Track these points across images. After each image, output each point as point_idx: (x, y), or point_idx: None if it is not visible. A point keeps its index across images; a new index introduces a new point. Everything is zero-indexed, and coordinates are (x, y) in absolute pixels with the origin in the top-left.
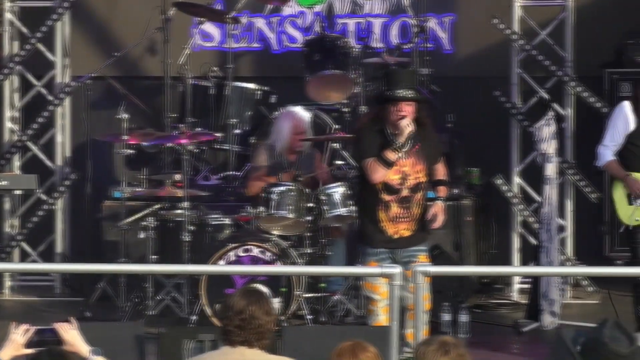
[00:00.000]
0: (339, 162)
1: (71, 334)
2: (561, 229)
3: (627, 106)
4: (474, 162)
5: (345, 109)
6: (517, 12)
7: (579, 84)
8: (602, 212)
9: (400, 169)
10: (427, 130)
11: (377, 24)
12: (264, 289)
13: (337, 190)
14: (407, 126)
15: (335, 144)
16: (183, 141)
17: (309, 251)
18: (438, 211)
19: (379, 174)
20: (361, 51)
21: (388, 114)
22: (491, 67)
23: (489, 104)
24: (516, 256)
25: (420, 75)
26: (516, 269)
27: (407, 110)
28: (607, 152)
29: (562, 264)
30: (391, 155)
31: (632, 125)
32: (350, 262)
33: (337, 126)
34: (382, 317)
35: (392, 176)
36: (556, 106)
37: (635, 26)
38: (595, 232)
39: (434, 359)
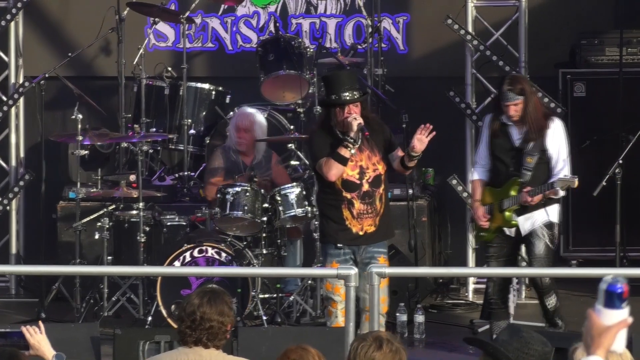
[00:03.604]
0: (295, 163)
1: (37, 338)
2: None
3: (487, 120)
4: (428, 163)
5: (300, 109)
6: (471, 13)
7: (533, 84)
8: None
9: (357, 164)
10: (372, 121)
11: (331, 24)
12: (219, 289)
13: (293, 191)
14: (355, 120)
15: (290, 144)
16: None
17: (264, 252)
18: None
19: (334, 171)
20: (315, 51)
21: (335, 117)
22: (445, 68)
23: (443, 104)
24: (471, 256)
25: (375, 75)
26: (471, 270)
27: (354, 111)
28: (475, 169)
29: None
30: (344, 152)
31: (488, 137)
32: (306, 262)
33: (292, 126)
34: (341, 318)
35: (349, 172)
36: None
37: (589, 26)
38: None
39: (367, 353)
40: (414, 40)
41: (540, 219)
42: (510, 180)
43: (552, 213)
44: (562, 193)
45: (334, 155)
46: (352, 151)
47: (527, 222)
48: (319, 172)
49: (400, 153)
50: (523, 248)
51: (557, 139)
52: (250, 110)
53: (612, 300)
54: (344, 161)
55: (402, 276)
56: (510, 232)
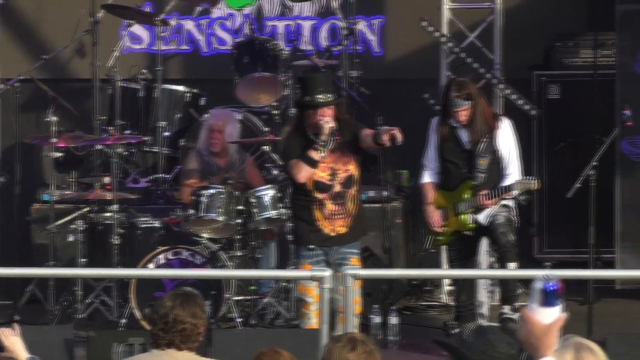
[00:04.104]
0: (269, 165)
1: (12, 340)
2: None
3: (434, 124)
4: (403, 164)
5: (275, 112)
6: (446, 15)
7: (508, 86)
8: (531, 213)
9: (328, 165)
10: (345, 123)
11: (306, 26)
12: (194, 291)
13: (267, 193)
14: (327, 123)
15: (265, 147)
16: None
17: (238, 254)
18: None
19: (303, 173)
20: (290, 53)
21: (309, 119)
22: (420, 70)
23: (418, 106)
24: (445, 258)
25: (350, 77)
26: (445, 272)
27: (328, 113)
28: (425, 172)
29: (490, 266)
30: (314, 155)
31: (437, 141)
32: (281, 264)
33: (266, 129)
34: (314, 320)
35: (320, 173)
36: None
37: (563, 29)
38: (524, 234)
39: (341, 355)
40: (389, 43)
41: (499, 204)
42: (463, 183)
43: (508, 200)
44: (517, 193)
45: (303, 158)
46: (323, 154)
47: (483, 214)
48: (289, 174)
49: (369, 131)
50: (484, 245)
51: (507, 139)
52: (224, 111)
53: (549, 298)
54: (313, 164)
55: (376, 278)
56: (467, 232)
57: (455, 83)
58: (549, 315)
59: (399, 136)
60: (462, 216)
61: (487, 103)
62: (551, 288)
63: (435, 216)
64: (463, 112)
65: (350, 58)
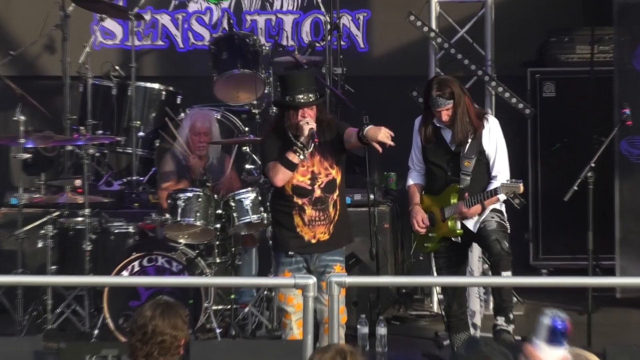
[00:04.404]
0: (249, 167)
1: None
2: None
3: (417, 124)
4: (390, 166)
5: (255, 111)
6: (435, 9)
7: (500, 84)
8: (527, 218)
9: (308, 169)
10: (327, 124)
11: (288, 21)
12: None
13: (248, 196)
14: (307, 124)
15: (244, 148)
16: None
17: (218, 261)
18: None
19: (280, 176)
20: (271, 49)
21: (290, 119)
22: (408, 67)
23: (405, 105)
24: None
25: (334, 74)
26: (435, 279)
27: (309, 114)
28: (411, 174)
29: (483, 273)
30: (293, 157)
31: (420, 143)
32: (262, 272)
33: (246, 129)
34: (296, 330)
35: (300, 177)
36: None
37: (558, 23)
38: (519, 240)
39: None
40: (374, 38)
41: (489, 209)
42: (449, 187)
43: (498, 204)
44: (503, 197)
45: (281, 160)
46: (302, 157)
47: (472, 220)
48: (267, 175)
49: (354, 130)
50: (476, 251)
51: (493, 138)
52: (207, 111)
53: (556, 337)
54: (291, 167)
55: (363, 286)
56: (456, 239)
57: (437, 81)
58: (554, 355)
59: (388, 141)
60: (450, 222)
61: (472, 101)
62: (560, 327)
63: (419, 215)
64: (445, 112)
65: (334, 54)
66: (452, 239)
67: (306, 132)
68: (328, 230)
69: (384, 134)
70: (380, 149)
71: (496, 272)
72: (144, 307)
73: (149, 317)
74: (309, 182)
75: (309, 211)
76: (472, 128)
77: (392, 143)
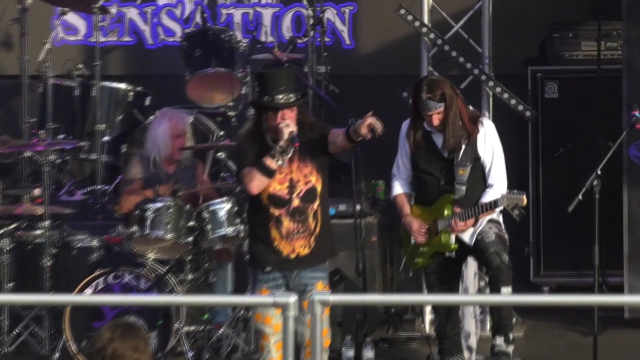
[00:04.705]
0: (225, 174)
1: None
2: None
3: (405, 128)
4: (379, 174)
5: (232, 113)
6: (427, 2)
7: (498, 84)
8: (527, 231)
9: (286, 176)
10: (308, 126)
11: (267, 14)
12: (137, 321)
13: (223, 207)
14: (287, 127)
15: (219, 153)
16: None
17: (189, 277)
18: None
19: (255, 183)
20: (249, 46)
21: (268, 122)
22: (398, 65)
23: (395, 106)
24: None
25: (318, 73)
26: (428, 297)
27: (290, 116)
28: (396, 182)
29: (479, 290)
30: (270, 162)
31: (409, 149)
32: (238, 289)
33: (221, 132)
34: (275, 354)
35: (277, 186)
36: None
37: (562, 17)
38: (519, 254)
39: None
40: (361, 34)
41: (485, 219)
42: (442, 197)
43: (495, 215)
44: (500, 208)
45: (258, 165)
46: (280, 162)
47: (468, 232)
48: (242, 182)
49: (339, 131)
50: (471, 267)
51: (489, 144)
52: (176, 112)
53: None
54: (268, 173)
55: (349, 305)
56: (449, 254)
57: (427, 82)
58: None
59: (378, 125)
60: (443, 235)
61: (465, 104)
62: None
63: (415, 224)
64: (436, 116)
65: (317, 51)
66: (446, 253)
67: (286, 136)
68: (308, 244)
69: (371, 119)
70: (369, 135)
71: (495, 287)
72: (102, 328)
73: (108, 339)
74: (286, 190)
75: (287, 223)
76: (465, 133)
77: (380, 129)
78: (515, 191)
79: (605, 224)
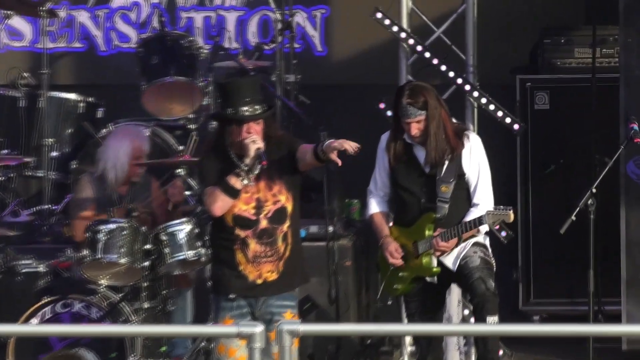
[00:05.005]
0: (185, 193)
1: None
2: None
3: (383, 139)
4: (353, 193)
5: (192, 126)
6: (406, 5)
7: (483, 94)
8: (515, 254)
9: (253, 196)
10: (276, 141)
11: (231, 18)
12: (87, 354)
13: (182, 229)
14: (254, 143)
15: (179, 170)
16: None
17: (146, 306)
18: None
19: (219, 204)
20: (211, 53)
21: (232, 136)
22: (374, 74)
23: (371, 118)
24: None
25: (286, 83)
26: (407, 327)
27: (256, 130)
28: (373, 200)
29: (464, 320)
30: (235, 182)
31: (388, 163)
32: (199, 319)
33: (181, 147)
34: None
35: (243, 206)
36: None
37: (554, 22)
38: (507, 280)
39: None
40: (334, 39)
41: (469, 242)
42: (423, 217)
43: (481, 237)
44: (485, 228)
45: (221, 184)
46: (245, 181)
47: (452, 255)
48: (204, 204)
49: (308, 146)
50: (455, 294)
51: (474, 160)
52: (142, 129)
53: None
54: (233, 193)
55: (321, 335)
56: (431, 279)
57: (410, 87)
58: None
59: (349, 147)
60: (424, 258)
61: (449, 116)
62: None
63: (391, 246)
64: (415, 124)
65: (286, 58)
66: (427, 278)
67: (252, 153)
68: (277, 269)
69: (344, 141)
70: (339, 162)
71: (480, 316)
72: None
73: None
74: (253, 211)
75: (253, 245)
76: (449, 147)
77: (354, 149)
78: (502, 207)
79: (601, 247)
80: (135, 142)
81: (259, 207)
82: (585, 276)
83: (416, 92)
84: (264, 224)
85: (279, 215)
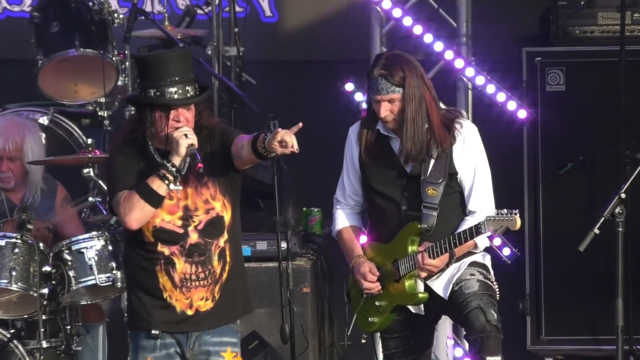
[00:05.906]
0: (93, 200)
1: None
2: None
3: (352, 132)
4: (313, 200)
5: (103, 113)
6: None
7: (480, 71)
8: (522, 278)
9: (179, 204)
10: (208, 132)
11: None
12: None
13: (92, 246)
14: (186, 138)
15: (86, 170)
16: None
17: (45, 345)
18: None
19: (136, 214)
20: (128, 18)
21: (155, 125)
22: (338, 46)
23: (335, 102)
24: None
25: (226, 57)
26: None
27: (186, 117)
28: (341, 212)
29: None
30: (158, 186)
31: (358, 162)
32: None
33: (89, 140)
34: None
35: (166, 216)
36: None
37: None
38: (512, 311)
39: None
40: (288, 1)
41: (465, 262)
42: (405, 228)
43: (479, 255)
44: (484, 243)
45: (140, 189)
46: (172, 186)
47: (443, 278)
48: (115, 213)
49: (245, 138)
50: (445, 328)
51: (469, 155)
52: (17, 119)
53: None
54: (154, 200)
55: None
56: (417, 308)
57: (386, 57)
58: None
59: (289, 140)
60: (407, 282)
61: (436, 100)
62: None
63: (364, 266)
64: (386, 104)
65: (225, 26)
66: (411, 308)
67: (182, 150)
68: (212, 295)
69: (286, 132)
70: (278, 151)
71: (478, 357)
72: None
73: None
74: (179, 222)
75: (181, 266)
76: (433, 138)
77: (293, 146)
78: (505, 211)
79: (632, 268)
80: (16, 138)
81: (187, 218)
82: (611, 307)
83: (393, 64)
84: (193, 238)
85: (213, 227)
